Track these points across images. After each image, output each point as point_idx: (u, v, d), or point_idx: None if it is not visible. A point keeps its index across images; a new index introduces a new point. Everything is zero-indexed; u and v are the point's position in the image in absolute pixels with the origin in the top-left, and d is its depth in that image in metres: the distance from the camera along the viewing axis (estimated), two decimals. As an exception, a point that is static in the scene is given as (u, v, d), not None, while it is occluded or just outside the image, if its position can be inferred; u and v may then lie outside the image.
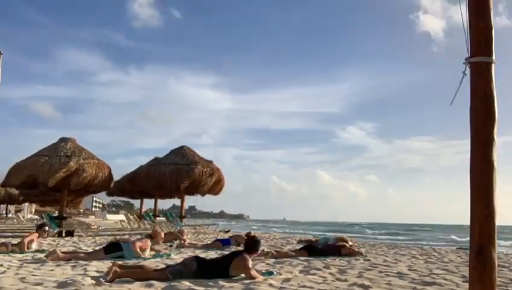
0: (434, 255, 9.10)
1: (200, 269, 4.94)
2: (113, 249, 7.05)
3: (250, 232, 11.34)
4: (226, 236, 12.63)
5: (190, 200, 20.65)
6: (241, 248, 6.83)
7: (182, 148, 18.55)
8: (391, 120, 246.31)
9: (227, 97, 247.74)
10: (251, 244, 5.32)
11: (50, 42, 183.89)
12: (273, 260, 7.00)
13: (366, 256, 8.20)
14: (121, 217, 38.94)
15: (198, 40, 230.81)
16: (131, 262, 6.33)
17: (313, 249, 8.01)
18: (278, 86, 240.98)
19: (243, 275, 5.00)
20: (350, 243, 9.68)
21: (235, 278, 4.93)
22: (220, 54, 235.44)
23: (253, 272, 5.02)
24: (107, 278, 4.60)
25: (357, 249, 8.82)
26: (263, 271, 5.55)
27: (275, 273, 5.42)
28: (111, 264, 5.02)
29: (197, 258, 5.16)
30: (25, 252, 7.69)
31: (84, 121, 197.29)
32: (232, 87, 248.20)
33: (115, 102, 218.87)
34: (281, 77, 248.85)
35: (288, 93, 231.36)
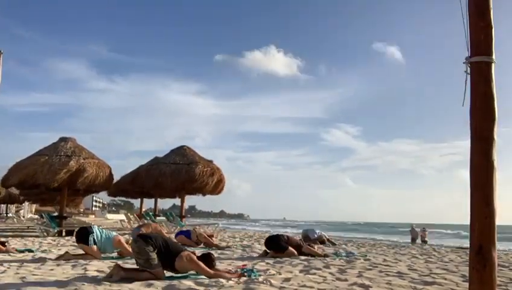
0: (434, 255, 9.10)
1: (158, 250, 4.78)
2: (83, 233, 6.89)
3: (212, 234, 11.04)
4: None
5: (190, 200, 20.65)
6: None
7: (182, 147, 18.50)
8: (373, 124, 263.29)
9: (213, 103, 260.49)
10: (206, 259, 5.01)
11: (40, 55, 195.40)
12: (272, 260, 7.00)
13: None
14: (121, 216, 38.99)
15: (178, 51, 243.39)
16: (130, 262, 6.32)
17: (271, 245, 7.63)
18: (261, 94, 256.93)
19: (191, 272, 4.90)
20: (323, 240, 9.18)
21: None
22: (202, 63, 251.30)
23: (207, 268, 4.81)
24: (112, 279, 4.59)
25: (320, 251, 8.01)
26: (243, 269, 5.49)
27: (255, 271, 5.25)
28: (112, 264, 5.02)
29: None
30: None
31: (76, 125, 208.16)
32: (216, 95, 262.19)
33: (105, 108, 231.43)
34: (263, 86, 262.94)
35: (273, 101, 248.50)
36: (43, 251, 8.19)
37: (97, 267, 5.77)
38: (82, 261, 6.36)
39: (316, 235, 11.46)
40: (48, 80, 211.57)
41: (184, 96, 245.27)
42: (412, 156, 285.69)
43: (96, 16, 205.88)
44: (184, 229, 12.30)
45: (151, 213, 21.21)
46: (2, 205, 37.68)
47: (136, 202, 36.96)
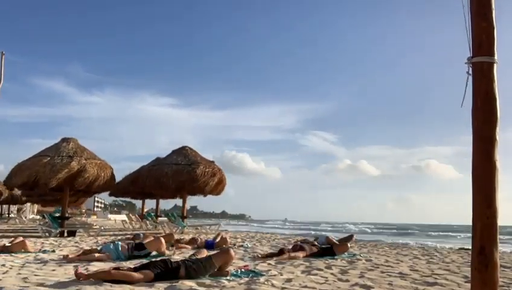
0: (436, 256, 9.08)
1: (188, 273, 4.76)
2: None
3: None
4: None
5: (192, 201, 20.68)
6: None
7: (183, 148, 18.53)
8: (350, 131, 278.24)
9: (191, 114, 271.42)
10: None
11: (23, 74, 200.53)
12: (274, 261, 6.99)
13: (362, 255, 8.17)
14: (123, 217, 39.02)
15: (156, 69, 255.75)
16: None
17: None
18: (242, 106, 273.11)
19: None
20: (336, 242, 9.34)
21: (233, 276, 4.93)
22: (175, 79, 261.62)
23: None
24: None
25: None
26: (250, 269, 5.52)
27: (257, 272, 5.34)
28: (113, 264, 5.02)
29: (185, 263, 4.88)
30: None
31: (68, 133, 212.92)
32: (193, 107, 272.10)
33: (92, 118, 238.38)
34: (245, 99, 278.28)
35: (251, 112, 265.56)
36: (52, 251, 8.19)
37: (99, 267, 5.77)
38: (84, 262, 6.37)
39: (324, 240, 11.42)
40: (37, 96, 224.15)
41: (164, 108, 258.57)
42: (389, 161, 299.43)
43: (73, 41, 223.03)
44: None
45: (152, 214, 21.24)
46: (4, 205, 37.76)
47: (137, 203, 37.01)
